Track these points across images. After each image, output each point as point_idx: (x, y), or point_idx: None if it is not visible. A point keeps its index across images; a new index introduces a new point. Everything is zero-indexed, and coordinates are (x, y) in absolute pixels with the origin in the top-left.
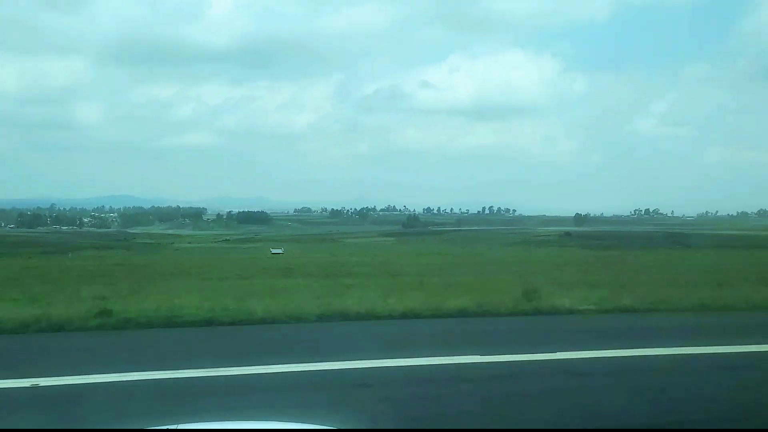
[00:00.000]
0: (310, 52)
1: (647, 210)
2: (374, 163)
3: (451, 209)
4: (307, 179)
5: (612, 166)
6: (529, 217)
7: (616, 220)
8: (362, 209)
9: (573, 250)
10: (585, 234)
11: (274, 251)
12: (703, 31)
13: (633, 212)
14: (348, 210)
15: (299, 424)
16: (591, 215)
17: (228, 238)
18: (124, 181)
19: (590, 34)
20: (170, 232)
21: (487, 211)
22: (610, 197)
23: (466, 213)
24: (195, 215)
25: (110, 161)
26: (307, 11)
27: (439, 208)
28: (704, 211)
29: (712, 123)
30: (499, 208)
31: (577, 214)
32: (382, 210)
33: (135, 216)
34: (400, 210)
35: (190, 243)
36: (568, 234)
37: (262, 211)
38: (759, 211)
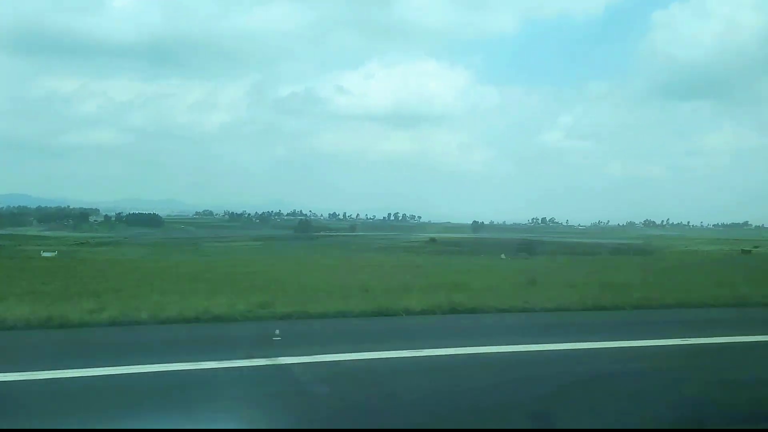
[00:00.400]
0: (222, 51)
1: (544, 219)
2: (288, 166)
3: (357, 215)
4: (219, 182)
5: (518, 176)
6: (432, 224)
7: (513, 227)
8: (264, 213)
9: (414, 256)
10: (450, 241)
11: (45, 254)
12: (605, 50)
13: (531, 221)
14: (249, 214)
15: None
16: (490, 223)
17: (89, 240)
18: (21, 179)
19: (501, 48)
20: (48, 233)
21: (392, 218)
22: (515, 206)
23: (372, 219)
24: (80, 216)
25: (5, 158)
26: (218, 9)
27: (345, 213)
28: (597, 221)
29: (611, 137)
30: (404, 215)
31: (474, 221)
32: (288, 214)
33: (11, 216)
34: (306, 214)
35: (38, 246)
36: (433, 240)
37: (154, 214)
38: (645, 221)
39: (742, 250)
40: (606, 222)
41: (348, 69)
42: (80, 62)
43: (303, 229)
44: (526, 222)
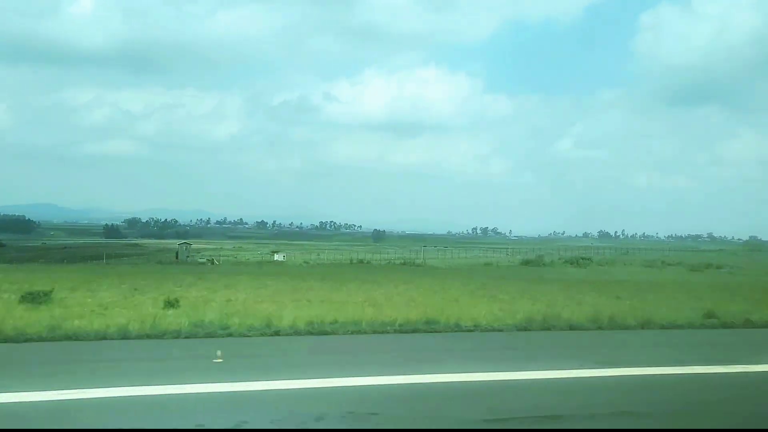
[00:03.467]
0: (197, 57)
1: (485, 229)
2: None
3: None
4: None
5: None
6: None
7: (441, 238)
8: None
9: None
10: None
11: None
12: (597, 55)
13: (471, 230)
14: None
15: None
16: (390, 232)
17: None
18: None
19: (489, 54)
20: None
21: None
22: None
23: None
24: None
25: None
26: (184, 15)
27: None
28: (552, 231)
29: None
30: (324, 222)
31: (375, 230)
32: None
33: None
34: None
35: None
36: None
37: (30, 220)
38: (599, 232)
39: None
40: (562, 232)
41: (333, 76)
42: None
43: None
44: (466, 231)
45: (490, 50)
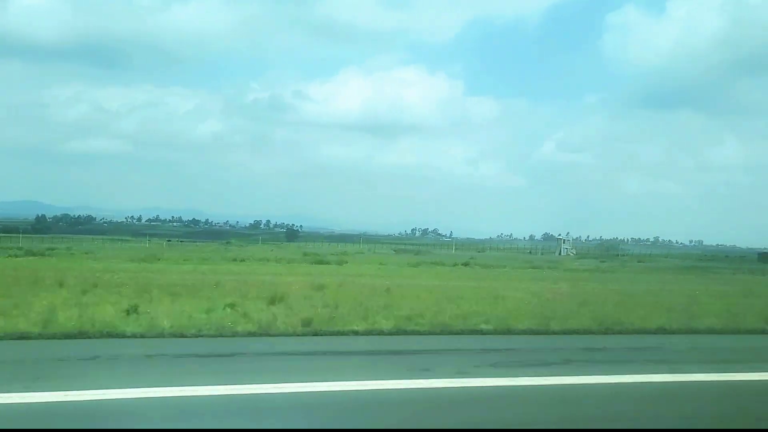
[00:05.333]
0: (160, 52)
1: (425, 230)
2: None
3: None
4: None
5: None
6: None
7: (372, 237)
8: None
9: None
10: None
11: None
12: (563, 57)
13: (411, 231)
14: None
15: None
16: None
17: None
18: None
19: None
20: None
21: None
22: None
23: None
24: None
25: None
26: (135, 8)
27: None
28: (500, 234)
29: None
30: (258, 221)
31: (288, 228)
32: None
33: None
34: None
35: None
36: None
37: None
38: (543, 234)
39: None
40: (509, 235)
41: (306, 74)
42: None
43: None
44: (406, 232)
45: (457, 50)
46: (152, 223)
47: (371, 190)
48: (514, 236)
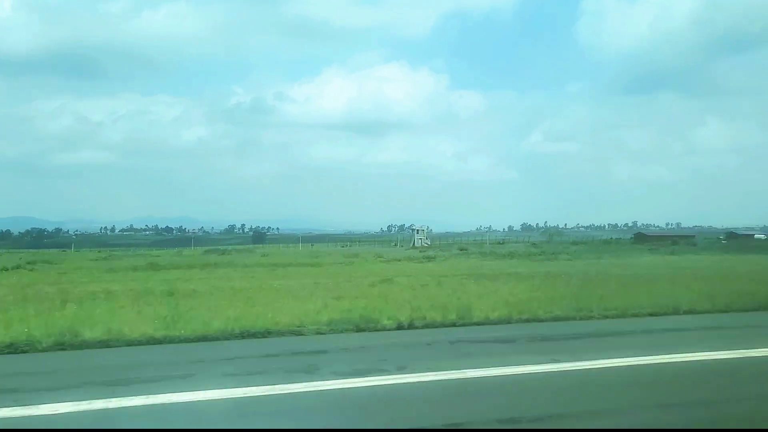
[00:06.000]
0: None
1: (401, 226)
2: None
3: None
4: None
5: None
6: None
7: (344, 236)
8: None
9: None
10: None
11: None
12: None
13: (388, 228)
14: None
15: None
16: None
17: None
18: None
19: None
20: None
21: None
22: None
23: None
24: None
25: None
26: (104, 16)
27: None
28: (479, 226)
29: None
30: (232, 225)
31: (255, 230)
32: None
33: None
34: None
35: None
36: None
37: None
38: (522, 224)
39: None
40: (488, 227)
41: (286, 75)
42: None
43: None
44: (379, 230)
45: (437, 45)
46: (125, 233)
47: (359, 189)
48: (493, 228)
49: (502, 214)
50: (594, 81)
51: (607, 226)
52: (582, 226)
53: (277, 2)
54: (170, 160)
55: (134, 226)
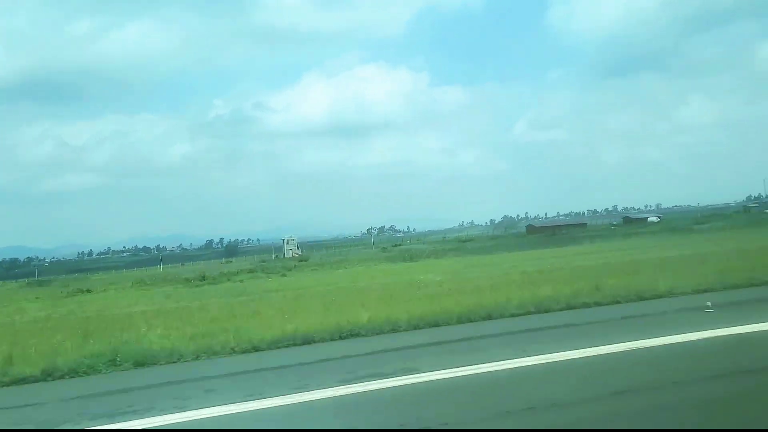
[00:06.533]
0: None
1: (381, 228)
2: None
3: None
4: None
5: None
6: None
7: (322, 242)
8: None
9: None
10: None
11: None
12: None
13: (367, 231)
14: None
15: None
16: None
17: None
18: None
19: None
20: None
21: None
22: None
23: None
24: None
25: None
26: (69, 38)
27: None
28: (461, 222)
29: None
30: (210, 241)
31: (228, 244)
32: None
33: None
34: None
35: None
36: None
37: None
38: (503, 216)
39: None
40: (470, 222)
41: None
42: None
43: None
44: (358, 233)
45: (410, 43)
46: (102, 256)
47: (346, 192)
48: (475, 222)
49: (486, 207)
50: (572, 66)
51: (586, 213)
52: (562, 215)
53: (244, 12)
54: (156, 179)
55: (127, 247)
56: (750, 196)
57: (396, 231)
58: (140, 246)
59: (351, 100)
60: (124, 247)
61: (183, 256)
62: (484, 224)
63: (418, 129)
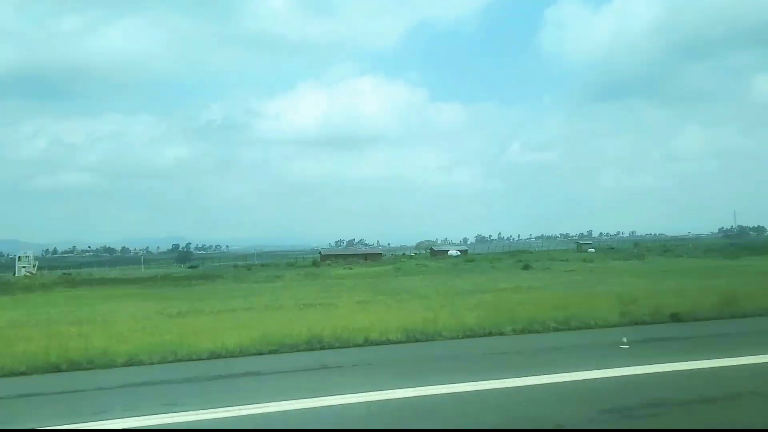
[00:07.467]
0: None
1: (351, 240)
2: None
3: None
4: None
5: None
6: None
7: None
8: None
9: None
10: None
11: None
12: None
13: (336, 243)
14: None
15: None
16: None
17: None
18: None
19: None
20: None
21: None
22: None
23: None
24: None
25: None
26: (57, 36)
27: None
28: (436, 238)
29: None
30: (177, 245)
31: (180, 250)
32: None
33: None
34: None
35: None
36: None
37: None
38: (476, 236)
39: None
40: (444, 239)
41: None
42: None
43: None
44: (327, 245)
45: (405, 57)
46: (65, 255)
47: (321, 204)
48: (449, 240)
49: (462, 227)
50: (566, 90)
51: (559, 236)
52: (533, 237)
53: (237, 18)
54: (151, 180)
55: (91, 248)
56: (722, 227)
57: (366, 245)
58: (108, 246)
59: (345, 111)
60: (89, 246)
61: (135, 258)
62: (458, 242)
63: (406, 144)
